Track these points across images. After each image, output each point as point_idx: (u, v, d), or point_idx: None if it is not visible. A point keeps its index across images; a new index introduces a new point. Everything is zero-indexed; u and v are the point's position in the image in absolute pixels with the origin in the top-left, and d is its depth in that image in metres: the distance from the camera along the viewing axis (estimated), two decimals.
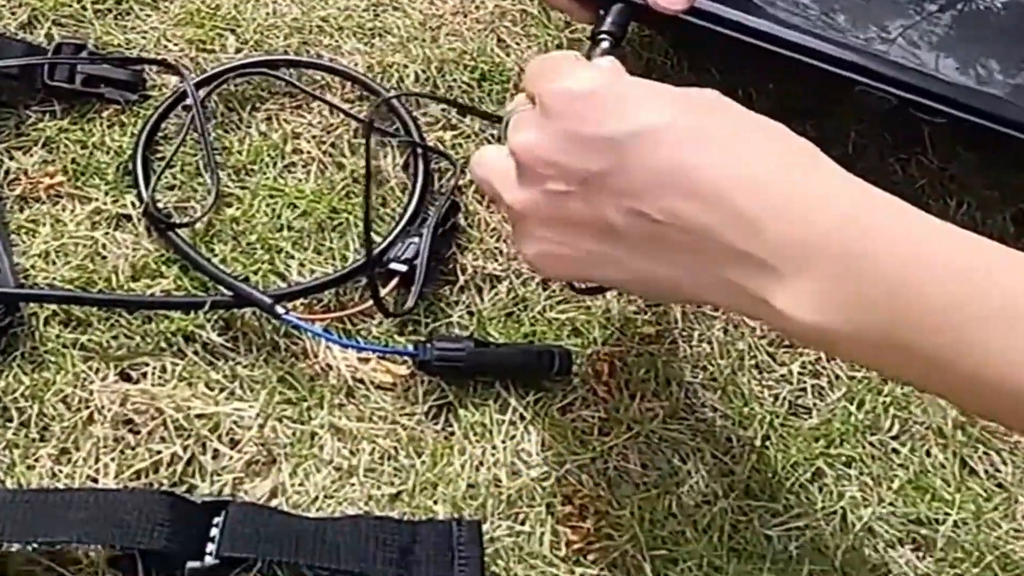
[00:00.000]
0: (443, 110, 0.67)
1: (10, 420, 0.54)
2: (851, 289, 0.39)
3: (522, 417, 0.56)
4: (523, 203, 0.45)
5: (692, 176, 0.41)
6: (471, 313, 0.60)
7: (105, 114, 0.64)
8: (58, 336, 0.56)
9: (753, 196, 0.40)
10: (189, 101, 0.64)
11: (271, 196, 0.63)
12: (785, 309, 0.40)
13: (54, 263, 0.59)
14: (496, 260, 0.62)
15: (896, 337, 0.38)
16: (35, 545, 0.49)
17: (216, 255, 0.60)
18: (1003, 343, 0.37)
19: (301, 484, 0.53)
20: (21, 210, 0.61)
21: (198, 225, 0.61)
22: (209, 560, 0.49)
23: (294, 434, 0.55)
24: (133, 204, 0.61)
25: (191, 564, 0.49)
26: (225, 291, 0.58)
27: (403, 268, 0.58)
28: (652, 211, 0.42)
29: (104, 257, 0.60)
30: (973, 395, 0.38)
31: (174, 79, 0.66)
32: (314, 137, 0.65)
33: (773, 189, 0.40)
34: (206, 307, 0.57)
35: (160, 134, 0.64)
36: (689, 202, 0.41)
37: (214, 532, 0.50)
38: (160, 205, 0.62)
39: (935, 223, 0.40)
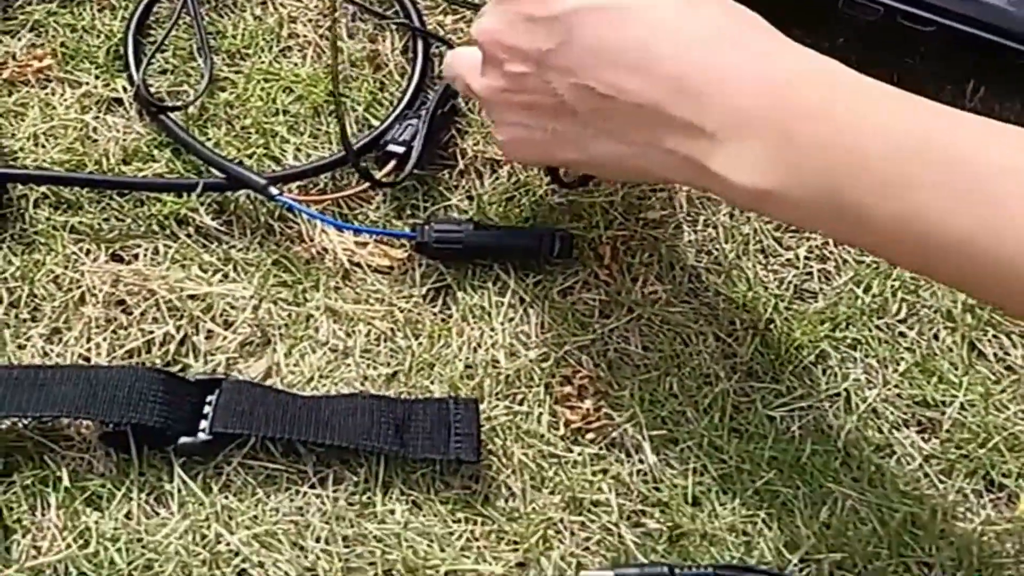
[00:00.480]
0: None
1: (0, 300, 0.53)
2: (786, 153, 0.40)
3: (521, 300, 0.55)
4: (489, 89, 0.48)
5: (634, 50, 0.42)
6: (470, 198, 0.58)
7: None
8: (48, 218, 0.55)
9: (694, 69, 0.41)
10: None
11: (266, 80, 0.61)
12: (721, 172, 0.41)
13: (43, 146, 0.58)
14: None
15: (833, 199, 0.39)
16: (25, 420, 0.48)
17: (210, 139, 0.59)
18: (932, 198, 0.37)
19: (296, 364, 0.53)
20: (9, 94, 0.59)
21: (191, 109, 0.59)
22: (203, 436, 0.48)
23: (289, 316, 0.54)
24: (124, 88, 0.60)
25: (184, 439, 0.48)
26: (218, 174, 0.57)
27: (400, 150, 0.57)
28: (597, 85, 0.43)
29: (95, 140, 0.58)
30: (902, 252, 0.40)
31: None
32: (310, 20, 0.63)
33: (715, 62, 0.41)
34: (198, 189, 0.56)
35: (152, 18, 0.63)
36: (631, 75, 0.42)
37: (207, 409, 0.49)
38: (152, 90, 0.60)
39: (878, 89, 0.40)
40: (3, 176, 0.55)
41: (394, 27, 0.63)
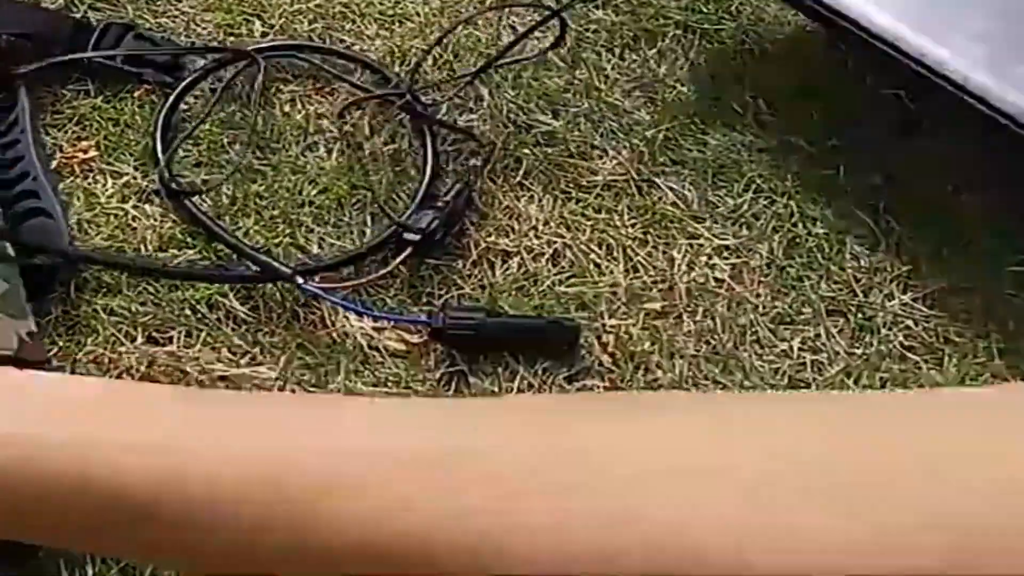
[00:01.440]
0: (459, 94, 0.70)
1: None
2: None
3: (530, 385, 0.59)
4: None
5: None
6: (483, 287, 0.62)
7: (136, 94, 0.67)
8: (90, 302, 0.59)
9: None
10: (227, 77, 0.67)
11: (293, 173, 0.65)
12: None
13: (87, 232, 0.62)
14: (508, 236, 0.64)
15: None
16: None
17: (240, 228, 0.63)
18: None
19: None
20: (56, 183, 0.64)
21: (223, 199, 0.64)
22: None
23: None
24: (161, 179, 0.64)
25: None
26: (252, 265, 0.61)
27: (416, 237, 0.61)
28: None
29: (134, 228, 0.62)
30: None
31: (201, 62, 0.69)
32: (336, 117, 0.68)
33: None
34: (234, 281, 0.60)
35: (186, 112, 0.67)
36: None
37: None
38: (186, 181, 0.64)
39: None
40: (77, 256, 0.59)
41: (410, 125, 0.68)
